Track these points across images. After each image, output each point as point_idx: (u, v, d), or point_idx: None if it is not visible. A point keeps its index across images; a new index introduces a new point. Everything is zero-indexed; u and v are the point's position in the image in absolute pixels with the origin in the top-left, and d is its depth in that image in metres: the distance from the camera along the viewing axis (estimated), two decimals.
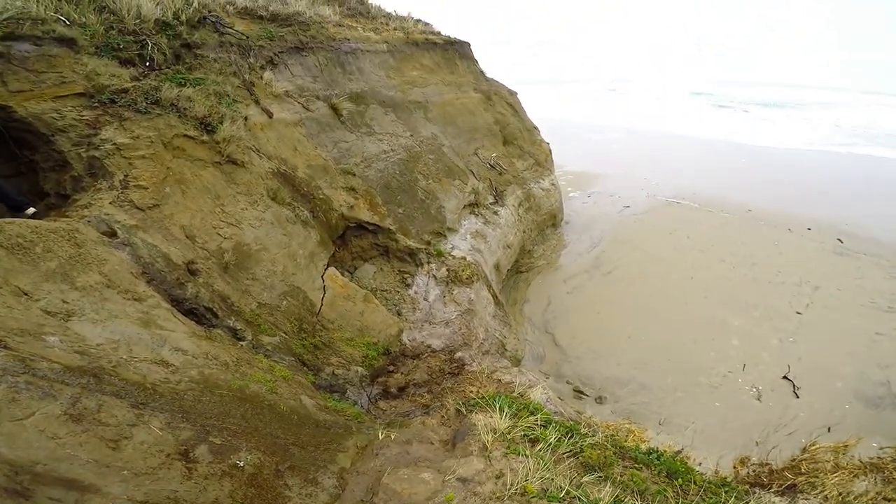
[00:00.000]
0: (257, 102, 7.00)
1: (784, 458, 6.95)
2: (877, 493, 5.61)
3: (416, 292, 8.00)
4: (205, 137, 5.84)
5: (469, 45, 14.07)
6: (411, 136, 10.11)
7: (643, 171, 19.88)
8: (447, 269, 8.25)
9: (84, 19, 5.68)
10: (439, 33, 13.35)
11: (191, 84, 6.05)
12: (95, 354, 2.95)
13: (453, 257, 8.61)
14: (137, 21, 6.10)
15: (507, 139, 13.72)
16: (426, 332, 7.34)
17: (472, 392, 5.50)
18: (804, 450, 7.07)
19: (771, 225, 14.19)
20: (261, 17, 8.48)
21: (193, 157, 5.77)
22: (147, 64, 5.93)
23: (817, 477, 6.01)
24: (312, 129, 8.00)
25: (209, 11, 7.24)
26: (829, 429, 7.51)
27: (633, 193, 17.26)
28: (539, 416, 4.66)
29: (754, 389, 8.33)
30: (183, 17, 6.71)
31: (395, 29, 11.76)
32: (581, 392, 8.29)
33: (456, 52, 13.39)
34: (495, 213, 11.21)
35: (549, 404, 5.59)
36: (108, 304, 3.59)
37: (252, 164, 6.41)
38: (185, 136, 5.59)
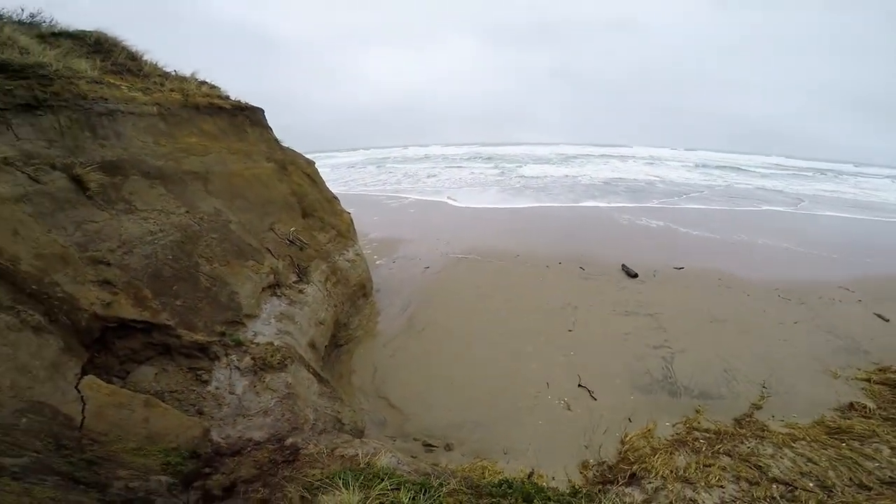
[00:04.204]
0: None
1: (613, 453, 7.94)
2: (696, 462, 6.88)
3: (217, 388, 6.80)
4: None
5: (262, 111, 13.05)
6: (187, 212, 8.69)
7: (436, 234, 22.20)
8: (252, 358, 7.31)
9: None
10: (228, 97, 12.03)
11: None
12: None
13: (257, 345, 7.68)
14: None
15: (307, 211, 13.21)
16: (241, 425, 6.28)
17: (314, 475, 4.90)
18: (622, 441, 8.19)
19: (533, 265, 17.41)
20: None
21: None
22: None
23: (646, 462, 7.09)
24: (45, 206, 6.15)
25: None
26: (629, 419, 8.85)
27: (430, 254, 18.97)
28: (390, 480, 4.34)
29: (562, 402, 9.47)
30: None
31: (171, 90, 10.16)
32: (430, 444, 8.18)
33: (247, 118, 12.19)
34: (301, 291, 10.48)
35: (401, 465, 5.33)
36: None
37: None
38: None
